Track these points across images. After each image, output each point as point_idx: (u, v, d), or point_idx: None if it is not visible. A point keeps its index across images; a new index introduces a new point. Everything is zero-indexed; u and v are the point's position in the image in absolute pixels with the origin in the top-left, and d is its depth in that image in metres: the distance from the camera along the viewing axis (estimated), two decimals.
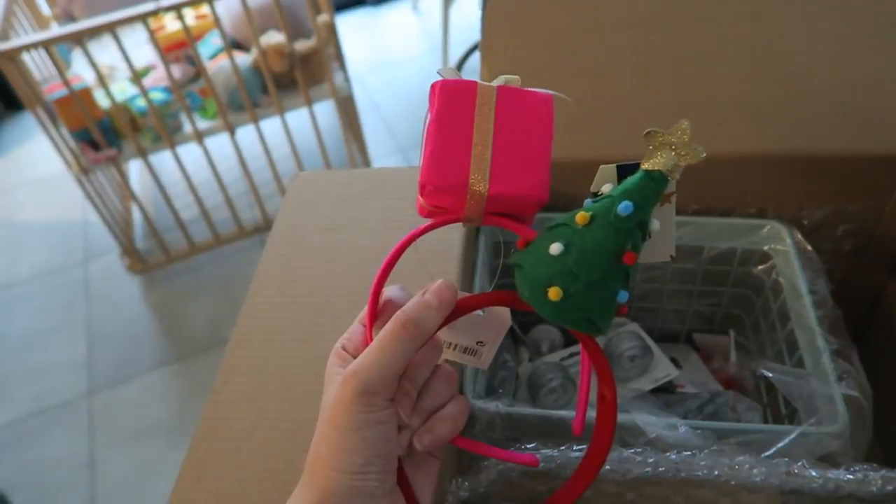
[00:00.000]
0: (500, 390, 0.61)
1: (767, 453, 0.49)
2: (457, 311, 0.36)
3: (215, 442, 0.49)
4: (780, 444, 0.49)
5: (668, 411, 0.64)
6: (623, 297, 0.33)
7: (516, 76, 0.36)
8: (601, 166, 0.35)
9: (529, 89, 0.36)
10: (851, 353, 0.56)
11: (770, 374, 0.55)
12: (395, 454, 0.35)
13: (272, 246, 0.63)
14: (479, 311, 0.40)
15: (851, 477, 0.45)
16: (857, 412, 0.51)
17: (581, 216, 0.33)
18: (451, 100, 0.35)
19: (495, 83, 0.36)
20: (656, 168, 0.33)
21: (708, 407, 0.63)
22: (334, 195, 0.67)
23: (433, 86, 0.35)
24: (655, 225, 0.34)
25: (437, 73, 0.36)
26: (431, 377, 0.37)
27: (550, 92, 0.36)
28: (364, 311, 0.39)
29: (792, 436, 0.49)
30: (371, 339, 0.36)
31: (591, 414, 0.39)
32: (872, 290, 0.72)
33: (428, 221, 0.37)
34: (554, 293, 0.32)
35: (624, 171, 0.35)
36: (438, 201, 0.35)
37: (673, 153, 0.33)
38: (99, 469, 1.48)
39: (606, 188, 0.35)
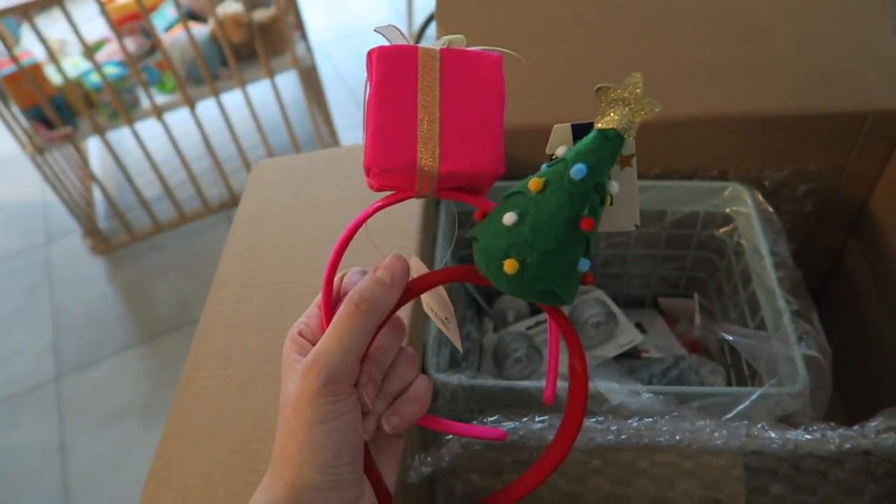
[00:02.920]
0: (464, 363, 0.60)
1: (729, 416, 0.49)
2: (413, 290, 0.35)
3: (182, 439, 0.49)
4: (741, 407, 0.49)
5: (632, 377, 0.64)
6: (584, 265, 0.32)
7: (460, 36, 0.33)
8: (555, 126, 0.33)
9: (476, 49, 0.33)
10: (812, 313, 0.57)
11: (731, 338, 0.55)
12: (362, 442, 0.34)
13: (233, 237, 0.62)
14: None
15: (810, 437, 0.45)
16: (816, 372, 0.52)
17: (534, 182, 0.31)
18: (390, 69, 0.32)
19: (438, 45, 0.33)
20: (610, 126, 0.31)
21: (672, 371, 0.64)
22: (294, 180, 0.66)
23: (370, 54, 0.33)
24: (614, 187, 0.32)
25: (375, 30, 0.33)
26: (395, 360, 0.36)
27: (499, 50, 0.33)
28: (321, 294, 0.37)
29: (753, 397, 0.50)
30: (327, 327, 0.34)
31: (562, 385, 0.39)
32: (832, 250, 0.72)
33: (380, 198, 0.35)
34: (510, 265, 0.31)
35: (579, 131, 0.32)
36: (386, 182, 0.33)
37: (627, 109, 0.31)
38: (70, 454, 1.46)
39: (561, 150, 0.32)
